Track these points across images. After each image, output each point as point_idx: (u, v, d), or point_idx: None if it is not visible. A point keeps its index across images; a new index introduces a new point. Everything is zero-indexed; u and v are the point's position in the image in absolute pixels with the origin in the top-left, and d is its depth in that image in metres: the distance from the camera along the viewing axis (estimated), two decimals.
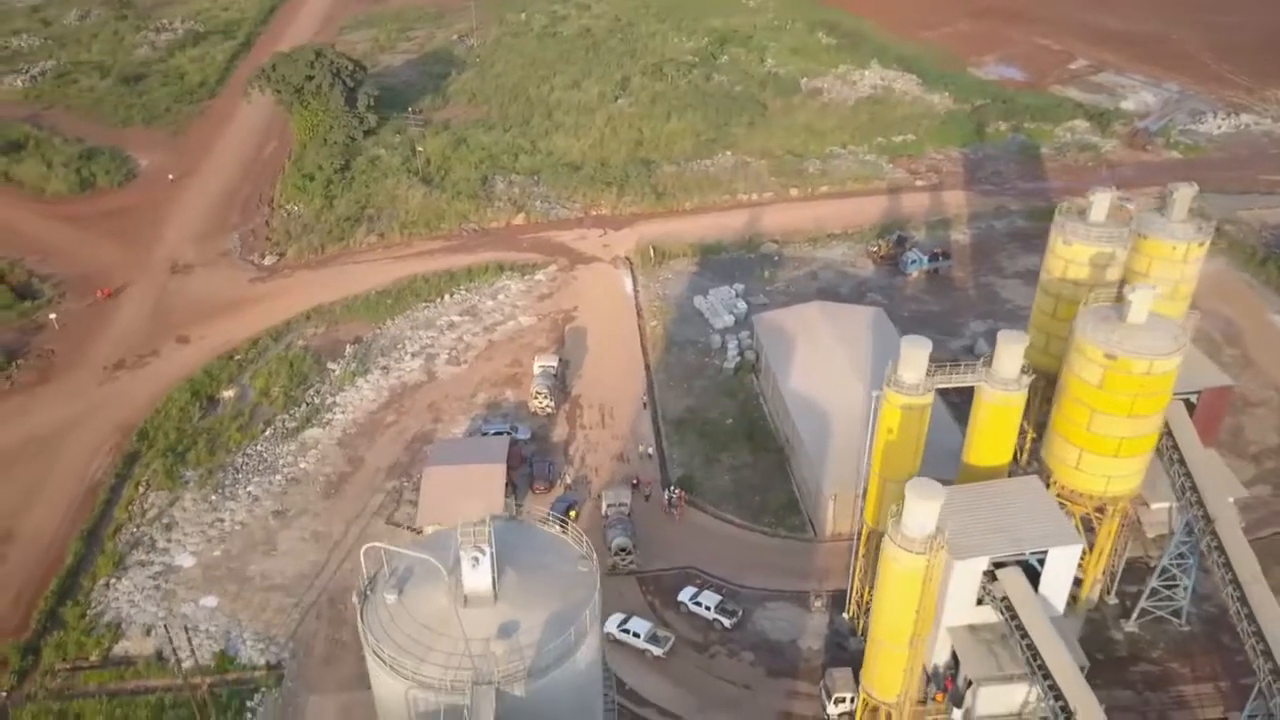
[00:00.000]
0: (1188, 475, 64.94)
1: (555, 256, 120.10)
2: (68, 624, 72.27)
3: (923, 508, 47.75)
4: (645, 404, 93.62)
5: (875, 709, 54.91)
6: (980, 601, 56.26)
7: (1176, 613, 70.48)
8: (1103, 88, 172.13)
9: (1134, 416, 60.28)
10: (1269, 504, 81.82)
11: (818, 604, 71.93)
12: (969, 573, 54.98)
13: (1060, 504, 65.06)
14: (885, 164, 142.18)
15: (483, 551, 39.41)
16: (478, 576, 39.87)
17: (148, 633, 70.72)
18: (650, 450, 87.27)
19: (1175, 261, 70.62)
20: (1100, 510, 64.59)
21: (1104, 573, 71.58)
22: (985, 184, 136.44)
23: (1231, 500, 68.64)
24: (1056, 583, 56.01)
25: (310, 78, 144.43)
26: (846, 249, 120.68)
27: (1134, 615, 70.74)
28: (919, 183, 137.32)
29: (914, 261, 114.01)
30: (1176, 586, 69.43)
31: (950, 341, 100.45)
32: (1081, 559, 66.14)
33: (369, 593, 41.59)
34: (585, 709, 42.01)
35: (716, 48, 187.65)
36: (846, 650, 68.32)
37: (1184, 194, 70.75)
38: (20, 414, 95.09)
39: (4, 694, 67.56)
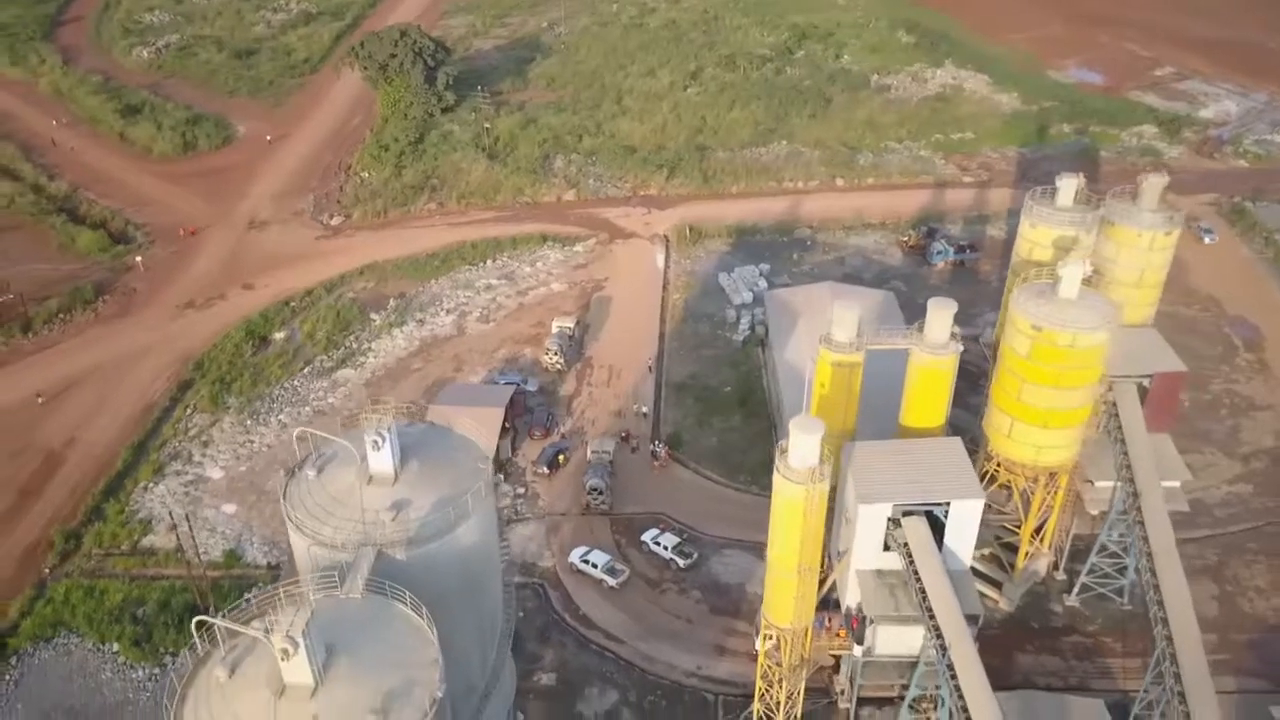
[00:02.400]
0: (1126, 454, 66.92)
1: (597, 231, 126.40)
2: (108, 517, 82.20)
3: (804, 441, 52.00)
4: (650, 368, 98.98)
5: (775, 638, 59.16)
6: (887, 548, 60.10)
7: (1120, 591, 72.18)
8: (1184, 95, 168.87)
9: (1060, 388, 63.00)
10: (1247, 502, 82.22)
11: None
12: (875, 517, 58.98)
13: (996, 473, 68.31)
14: (938, 160, 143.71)
15: (382, 437, 45.87)
16: (380, 459, 46.36)
17: (171, 529, 79.82)
18: (645, 410, 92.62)
19: (1141, 249, 72.27)
20: (1035, 481, 67.15)
21: (1051, 548, 74.02)
22: (1033, 183, 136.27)
23: (1178, 484, 70.43)
24: (960, 536, 59.29)
25: (394, 56, 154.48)
26: (879, 238, 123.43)
27: (1075, 590, 72.77)
28: (967, 179, 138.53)
29: (940, 252, 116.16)
30: (1120, 565, 71.18)
31: (960, 330, 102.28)
32: (1017, 529, 69.46)
33: (296, 470, 48.55)
34: (471, 586, 47.92)
35: (794, 43, 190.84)
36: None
37: (1153, 183, 72.36)
38: (99, 342, 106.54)
39: (47, 570, 77.64)
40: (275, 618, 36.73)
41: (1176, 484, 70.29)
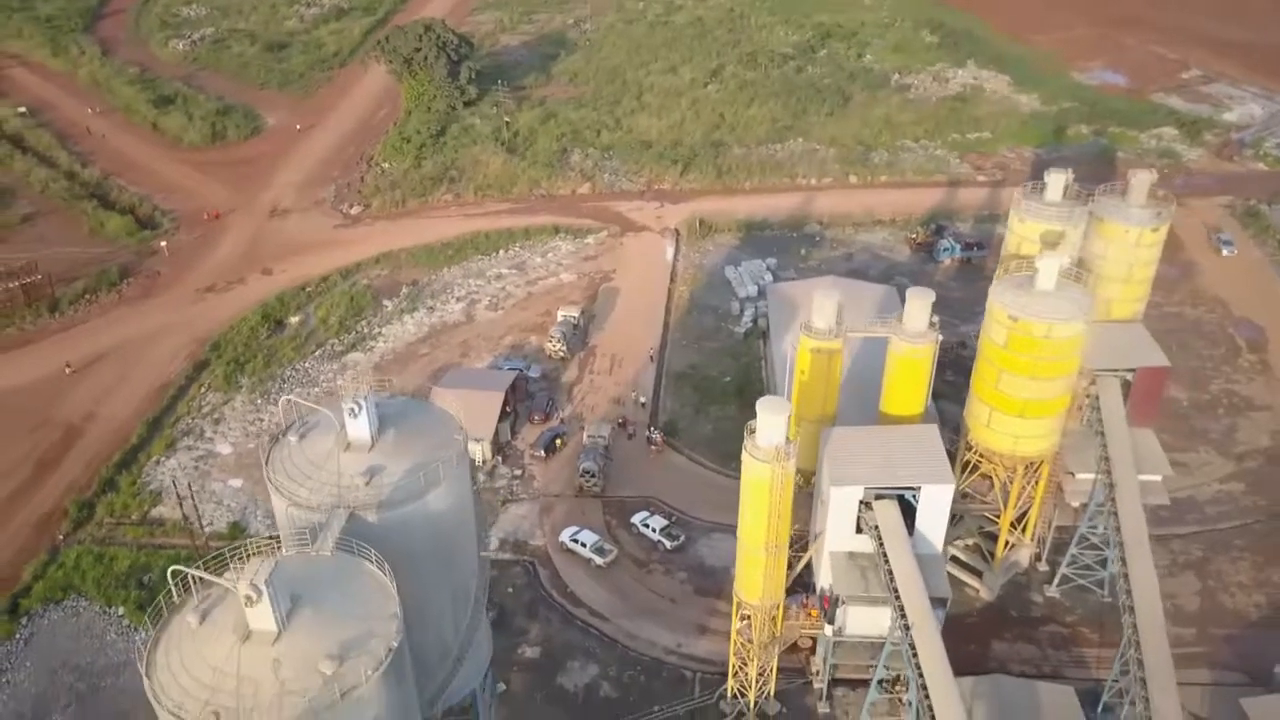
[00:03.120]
0: (1105, 446, 67.70)
1: (609, 224, 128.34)
2: (120, 488, 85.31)
3: (770, 421, 53.53)
4: (652, 357, 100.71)
5: (746, 616, 60.72)
6: (860, 530, 61.40)
7: (1100, 583, 72.83)
8: (1209, 98, 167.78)
9: (1037, 378, 63.93)
10: (1237, 500, 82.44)
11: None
12: (846, 499, 60.33)
13: (977, 462, 69.38)
14: (953, 159, 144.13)
15: (359, 405, 47.96)
16: (357, 427, 48.45)
17: (180, 502, 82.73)
18: (643, 399, 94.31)
19: (1129, 245, 72.82)
20: (1014, 470, 68.09)
21: (1033, 539, 74.87)
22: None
23: (1159, 478, 71.02)
24: (931, 520, 60.45)
25: (418, 50, 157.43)
26: (887, 235, 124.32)
27: (1055, 581, 73.55)
28: (980, 178, 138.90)
29: (946, 249, 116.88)
30: (1100, 557, 71.85)
31: (960, 325, 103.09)
32: (996, 518, 70.47)
33: (280, 436, 50.86)
34: (441, 551, 49.91)
35: (818, 41, 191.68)
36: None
37: (1141, 179, 73.03)
38: (122, 322, 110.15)
39: (60, 537, 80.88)
40: (243, 568, 38.96)
41: (1158, 478, 70.82)
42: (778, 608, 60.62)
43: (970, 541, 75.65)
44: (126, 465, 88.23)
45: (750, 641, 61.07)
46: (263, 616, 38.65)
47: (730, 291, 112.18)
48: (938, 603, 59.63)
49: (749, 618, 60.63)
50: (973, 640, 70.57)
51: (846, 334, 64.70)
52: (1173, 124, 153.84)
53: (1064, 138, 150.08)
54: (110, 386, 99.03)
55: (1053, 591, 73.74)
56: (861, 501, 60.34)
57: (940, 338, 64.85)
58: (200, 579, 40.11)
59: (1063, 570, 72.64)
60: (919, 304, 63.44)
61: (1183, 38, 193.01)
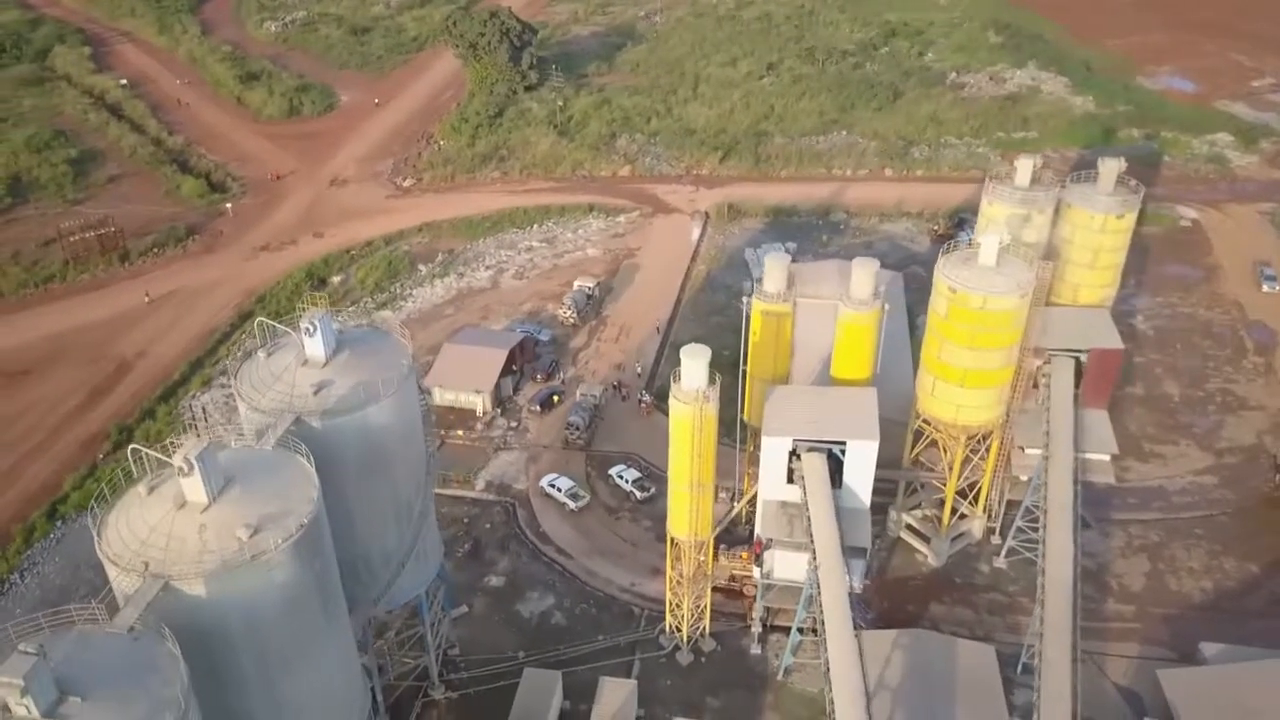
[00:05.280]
0: (1049, 422, 70.12)
1: (642, 205, 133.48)
2: (158, 417, 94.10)
3: (692, 365, 58.08)
4: (659, 329, 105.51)
5: (679, 550, 65.28)
6: (791, 480, 65.36)
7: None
8: (1276, 106, 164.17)
9: (975, 349, 66.83)
10: (1207, 492, 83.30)
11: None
12: (777, 449, 64.35)
13: (924, 429, 72.54)
14: (994, 157, 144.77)
15: (314, 326, 54.45)
16: (312, 345, 54.99)
17: (195, 426, 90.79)
18: (640, 368, 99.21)
19: (1094, 231, 74.95)
20: (957, 439, 70.99)
21: (984, 510, 77.44)
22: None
23: (1107, 458, 73.13)
24: (858, 475, 64.09)
25: (483, 35, 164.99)
26: (911, 226, 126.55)
27: (1003, 552, 75.97)
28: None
29: (966, 240, 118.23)
30: None
31: None
32: (944, 486, 73.47)
33: (251, 353, 57.65)
34: (380, 461, 55.77)
35: (882, 39, 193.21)
36: (731, 532, 78.01)
37: (1109, 167, 75.18)
38: (183, 273, 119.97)
39: (101, 455, 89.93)
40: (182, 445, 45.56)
41: (1105, 458, 73.01)
42: (705, 545, 64.96)
43: (928, 512, 78.57)
44: (166, 398, 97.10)
45: (682, 576, 65.60)
46: (195, 489, 45.18)
47: (747, 272, 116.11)
48: (858, 552, 63.43)
49: (681, 553, 65.13)
50: (913, 601, 73.77)
51: (796, 299, 68.54)
52: (1230, 130, 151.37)
53: (1112, 140, 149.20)
54: (164, 329, 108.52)
55: (1000, 563, 76.16)
56: (792, 453, 64.26)
57: (888, 306, 68.25)
58: (154, 458, 46.95)
59: (1008, 542, 75.04)
60: (863, 273, 67.01)
61: (1265, 46, 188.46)
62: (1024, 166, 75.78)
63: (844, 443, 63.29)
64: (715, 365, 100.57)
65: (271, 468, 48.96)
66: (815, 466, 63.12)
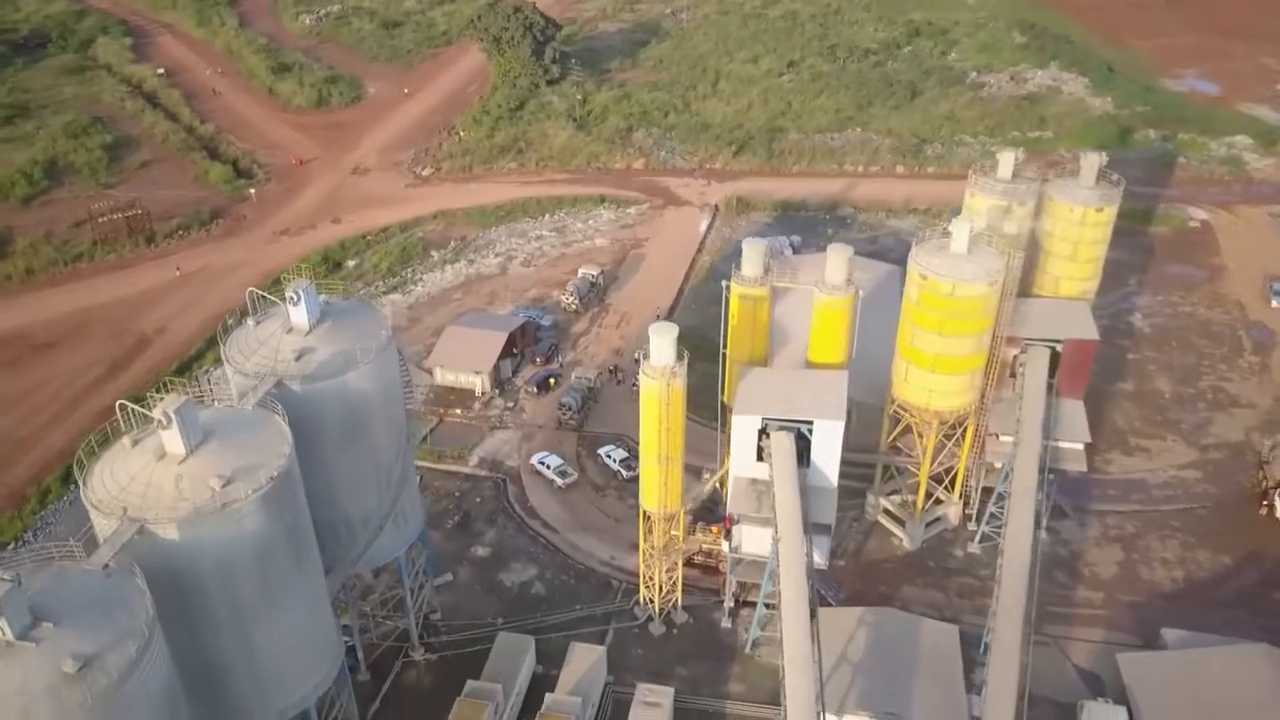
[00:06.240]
0: (1020, 409, 71.48)
1: (653, 197, 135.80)
2: (171, 390, 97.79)
3: (659, 342, 60.33)
4: (658, 316, 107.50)
5: (651, 524, 67.55)
6: (761, 458, 67.32)
7: None
8: None
9: (945, 335, 68.35)
10: (1189, 486, 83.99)
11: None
12: (747, 427, 66.37)
13: (898, 414, 74.21)
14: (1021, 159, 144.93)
15: (298, 295, 57.52)
16: (297, 314, 58.12)
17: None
18: (639, 354, 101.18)
19: (1074, 224, 76.14)
20: (929, 424, 72.54)
21: (960, 496, 78.86)
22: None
23: (1080, 447, 74.36)
24: (824, 453, 65.81)
25: (506, 29, 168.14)
26: (917, 222, 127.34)
27: (977, 538, 77.35)
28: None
29: None
30: None
31: None
32: (916, 469, 75.10)
33: (241, 321, 60.81)
34: (358, 426, 58.62)
35: (905, 39, 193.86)
36: (712, 511, 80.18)
37: (1090, 161, 76.29)
38: (206, 255, 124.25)
39: (109, 426, 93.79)
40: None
41: (1079, 446, 74.21)
42: (676, 518, 67.15)
43: (905, 497, 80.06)
44: (181, 372, 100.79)
45: (653, 548, 67.84)
46: (174, 441, 48.32)
47: None
48: (823, 529, 65.37)
49: (651, 525, 67.38)
50: (885, 583, 75.41)
51: (773, 283, 70.53)
52: (1250, 133, 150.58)
53: (1129, 141, 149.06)
54: (183, 308, 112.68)
55: (974, 548, 77.53)
56: (761, 431, 66.22)
57: (861, 293, 70.00)
58: (140, 413, 50.21)
59: (982, 528, 76.41)
60: (838, 259, 68.80)
61: None
62: (1005, 160, 77.19)
63: (811, 422, 65.05)
64: (708, 351, 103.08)
65: (249, 426, 51.98)
66: (782, 444, 64.99)
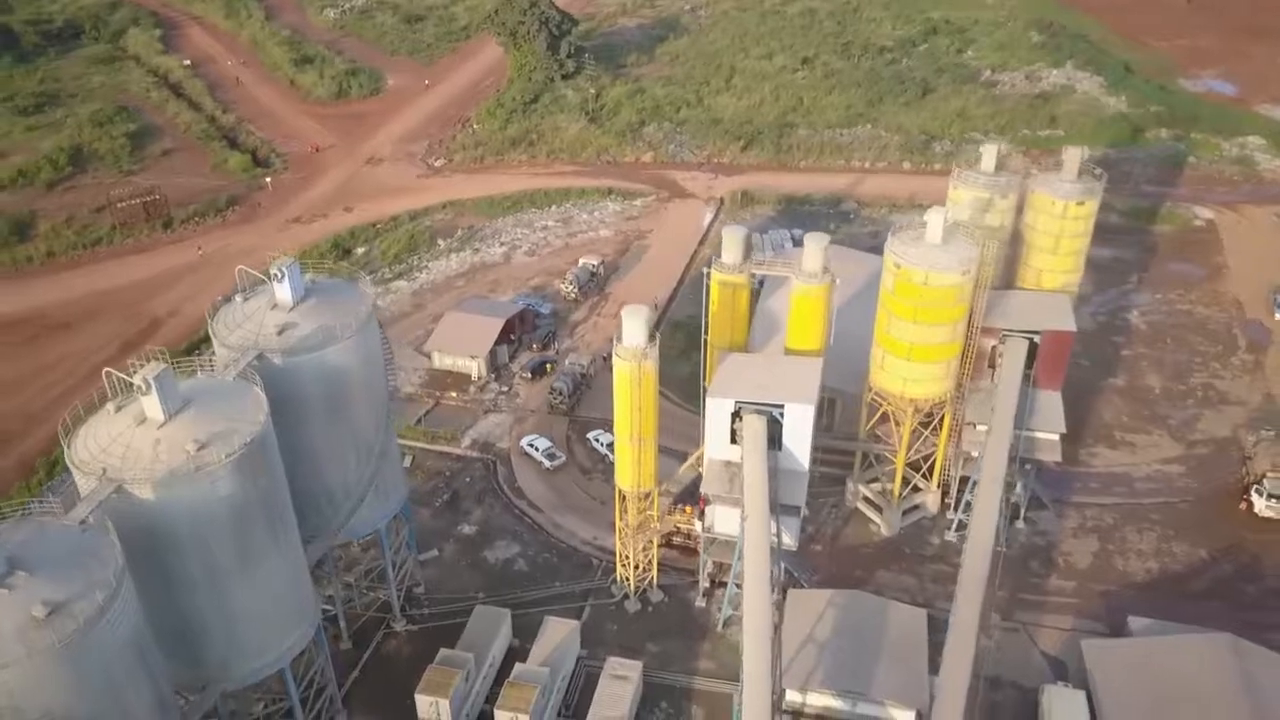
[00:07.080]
0: (995, 398, 72.44)
1: (660, 190, 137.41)
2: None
3: (631, 324, 62.02)
4: (656, 306, 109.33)
5: (625, 502, 69.27)
6: (734, 441, 68.79)
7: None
8: None
9: (919, 324, 69.54)
10: (1171, 480, 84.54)
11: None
12: (720, 410, 67.80)
13: (875, 402, 75.43)
14: (1018, 154, 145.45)
15: (282, 272, 59.76)
16: (281, 290, 60.33)
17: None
18: None
19: (1055, 217, 77.00)
20: (905, 412, 73.70)
21: (938, 485, 79.90)
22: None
23: (1055, 437, 75.21)
24: (796, 437, 67.14)
25: (522, 23, 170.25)
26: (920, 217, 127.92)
27: (953, 526, 78.36)
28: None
29: None
30: None
31: None
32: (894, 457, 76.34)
33: (231, 297, 63.17)
34: (336, 400, 60.80)
35: (922, 37, 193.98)
36: (694, 494, 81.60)
37: (1072, 155, 77.21)
38: (220, 240, 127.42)
39: None
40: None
41: (1054, 437, 75.03)
42: (651, 497, 68.81)
43: (885, 485, 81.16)
44: (189, 352, 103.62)
45: (628, 527, 69.54)
46: (153, 407, 50.66)
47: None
48: (791, 510, 66.82)
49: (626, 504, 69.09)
50: (861, 568, 76.67)
51: (752, 270, 71.98)
52: (1264, 134, 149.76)
53: (1140, 140, 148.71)
54: (195, 291, 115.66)
55: (950, 536, 78.56)
56: (735, 414, 67.67)
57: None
58: (124, 380, 52.66)
59: (958, 516, 77.42)
60: (815, 247, 70.12)
61: None
62: (989, 153, 78.27)
63: (782, 406, 66.42)
64: (700, 338, 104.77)
65: (227, 395, 54.29)
66: (754, 427, 66.41)
